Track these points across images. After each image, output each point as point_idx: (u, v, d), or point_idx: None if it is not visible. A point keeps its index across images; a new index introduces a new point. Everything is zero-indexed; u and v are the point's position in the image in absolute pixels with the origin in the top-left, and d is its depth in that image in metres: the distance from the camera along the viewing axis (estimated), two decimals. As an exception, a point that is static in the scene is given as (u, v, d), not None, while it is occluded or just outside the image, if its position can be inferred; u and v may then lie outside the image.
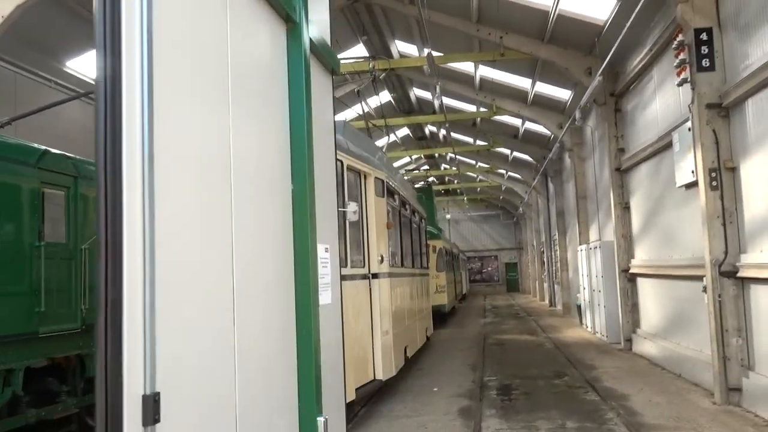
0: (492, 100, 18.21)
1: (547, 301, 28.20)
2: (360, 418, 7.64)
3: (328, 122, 3.94)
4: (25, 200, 6.42)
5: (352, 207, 6.60)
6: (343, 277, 6.92)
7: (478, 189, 40.14)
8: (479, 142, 25.67)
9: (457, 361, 12.00)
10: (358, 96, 11.56)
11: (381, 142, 28.41)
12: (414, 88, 21.87)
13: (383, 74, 14.76)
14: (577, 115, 13.40)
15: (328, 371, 3.55)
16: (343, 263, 7.04)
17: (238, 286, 2.40)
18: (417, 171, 34.49)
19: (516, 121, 21.39)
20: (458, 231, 48.21)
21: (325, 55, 3.72)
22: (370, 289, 8.04)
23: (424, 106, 23.33)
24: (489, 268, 49.71)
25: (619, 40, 9.82)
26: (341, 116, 20.10)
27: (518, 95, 17.71)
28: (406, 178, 30.98)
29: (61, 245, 7.03)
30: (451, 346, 14.34)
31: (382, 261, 8.30)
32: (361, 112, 21.00)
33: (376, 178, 8.40)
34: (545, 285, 29.19)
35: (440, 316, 19.36)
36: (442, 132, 26.19)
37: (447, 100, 20.50)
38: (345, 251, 7.11)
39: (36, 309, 6.35)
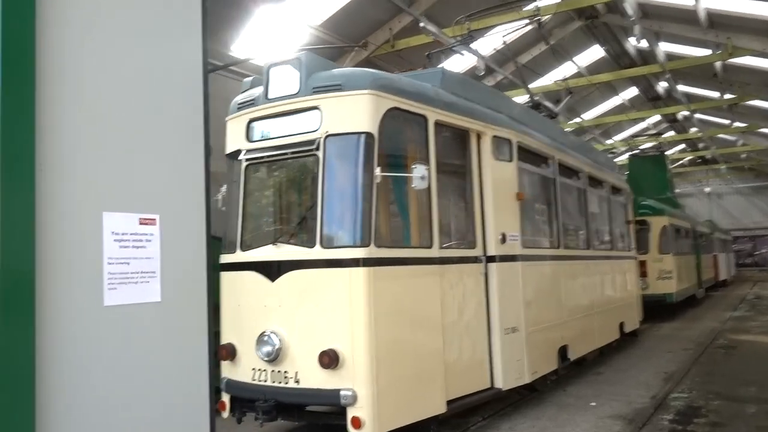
0: (726, 38, 14.46)
1: (832, 292, 22.26)
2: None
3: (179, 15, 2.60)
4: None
5: (418, 171, 5.15)
6: (413, 261, 5.56)
7: (743, 155, 33.59)
8: (727, 96, 21.07)
9: (653, 366, 9.54)
10: (505, 45, 9.69)
11: (604, 106, 25.18)
12: (631, 38, 18.60)
13: (547, 17, 12.42)
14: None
15: (167, 394, 2.35)
16: (425, 242, 5.64)
17: None
18: (659, 136, 29.94)
19: (769, 64, 16.88)
20: (721, 206, 41.28)
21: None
22: (486, 275, 6.43)
23: (648, 59, 19.79)
24: (764, 250, 41.78)
25: None
26: (540, 83, 17.92)
27: (763, 28, 13.75)
28: (645, 145, 26.98)
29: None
30: (658, 346, 11.64)
31: (504, 241, 6.61)
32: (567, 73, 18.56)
33: (495, 137, 6.71)
34: (830, 271, 23.08)
35: (665, 308, 16.22)
36: (680, 88, 22.12)
37: (670, 47, 16.99)
38: (425, 227, 5.67)
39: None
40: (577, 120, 23.88)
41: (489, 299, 6.44)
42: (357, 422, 4.81)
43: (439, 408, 5.51)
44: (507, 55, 15.14)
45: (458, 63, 16.36)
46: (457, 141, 6.50)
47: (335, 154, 5.26)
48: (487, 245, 6.50)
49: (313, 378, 4.97)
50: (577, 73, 20.28)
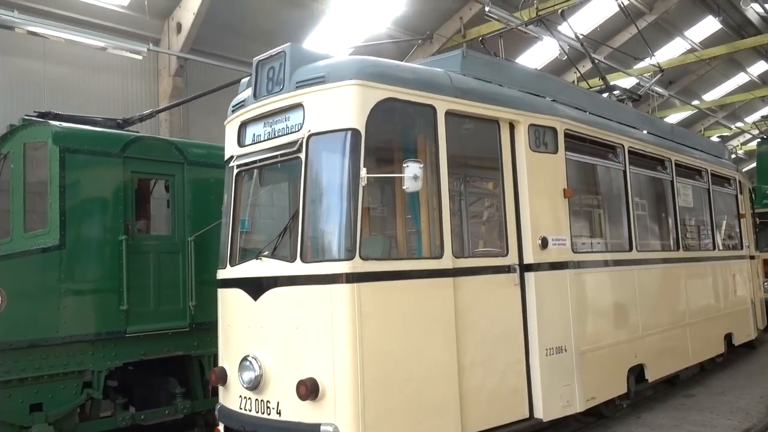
0: None
1: None
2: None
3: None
4: (108, 192, 6.10)
5: (411, 170, 4.41)
6: (414, 274, 4.80)
7: None
8: None
9: (761, 387, 8.01)
10: (562, 17, 8.52)
11: (728, 85, 22.51)
12: (752, 4, 16.32)
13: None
14: None
15: None
16: (435, 252, 4.90)
17: None
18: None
19: None
20: None
21: None
22: (522, 286, 5.54)
23: (774, 27, 17.33)
24: None
25: None
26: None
27: None
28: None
29: (163, 238, 6.59)
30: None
31: (545, 246, 5.68)
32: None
33: (533, 125, 5.79)
34: None
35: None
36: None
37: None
38: (435, 235, 4.91)
39: (120, 307, 5.98)
40: (695, 102, 21.50)
41: (526, 315, 5.54)
42: (339, 462, 4.19)
43: (450, 450, 4.74)
44: (597, 38, 13.79)
45: (542, 53, 15.21)
46: (484, 133, 5.66)
47: (318, 155, 4.68)
48: (523, 252, 5.60)
49: (295, 410, 4.41)
50: (691, 50, 18.20)
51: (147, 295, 6.20)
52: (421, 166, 4.46)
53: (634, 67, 16.35)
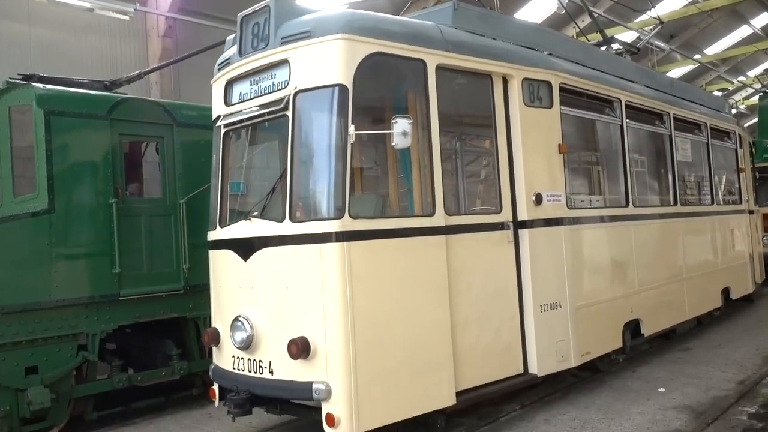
0: None
1: None
2: (499, 424, 5.38)
3: None
4: (96, 155, 6.01)
5: (399, 126, 4.31)
6: (405, 233, 4.74)
7: None
8: None
9: (758, 340, 8.03)
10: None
11: (730, 38, 22.09)
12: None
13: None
14: None
15: None
16: (426, 210, 4.83)
17: None
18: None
19: None
20: None
21: None
22: (516, 243, 5.50)
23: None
24: None
25: None
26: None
27: None
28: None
29: (155, 201, 6.53)
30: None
31: (539, 202, 5.62)
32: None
33: (526, 79, 5.66)
34: None
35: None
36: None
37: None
38: (426, 193, 4.84)
39: (113, 270, 5.95)
40: (696, 56, 21.13)
41: (520, 272, 5.51)
42: (331, 419, 4.21)
43: (446, 400, 4.76)
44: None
45: (539, 8, 14.92)
46: (476, 87, 5.54)
47: (305, 112, 4.57)
48: (517, 209, 5.54)
49: (287, 369, 4.41)
50: (692, 1, 17.79)
51: (140, 258, 6.17)
52: (411, 121, 4.35)
53: (635, 21, 16.01)
